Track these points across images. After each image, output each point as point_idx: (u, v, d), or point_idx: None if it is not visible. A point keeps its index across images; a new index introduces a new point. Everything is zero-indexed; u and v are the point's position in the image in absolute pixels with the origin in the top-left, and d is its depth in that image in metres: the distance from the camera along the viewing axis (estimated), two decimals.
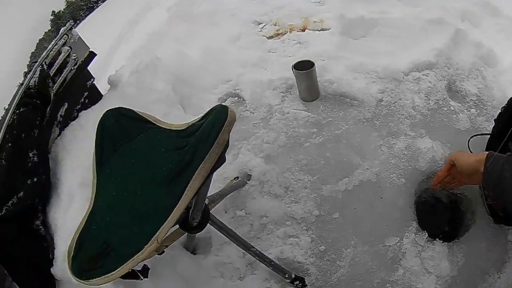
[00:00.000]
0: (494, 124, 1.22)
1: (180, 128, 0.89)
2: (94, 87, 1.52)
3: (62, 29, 1.45)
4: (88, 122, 1.30)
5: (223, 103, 1.55)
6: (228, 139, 0.76)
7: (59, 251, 1.08)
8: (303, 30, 1.98)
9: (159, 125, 0.94)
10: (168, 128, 0.92)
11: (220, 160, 0.77)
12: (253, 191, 1.30)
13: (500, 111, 1.18)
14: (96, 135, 0.92)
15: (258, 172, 1.33)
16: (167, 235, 0.76)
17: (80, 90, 1.45)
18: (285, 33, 1.98)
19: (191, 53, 1.82)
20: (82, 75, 1.47)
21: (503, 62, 1.78)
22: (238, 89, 1.65)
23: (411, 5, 2.05)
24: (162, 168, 0.80)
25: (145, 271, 0.83)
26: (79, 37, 1.49)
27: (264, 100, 1.55)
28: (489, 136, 1.24)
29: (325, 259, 1.19)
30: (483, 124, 1.45)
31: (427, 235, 1.22)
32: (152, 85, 1.43)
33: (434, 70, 1.61)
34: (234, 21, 2.20)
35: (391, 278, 1.17)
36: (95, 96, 1.50)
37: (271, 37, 1.99)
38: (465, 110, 1.51)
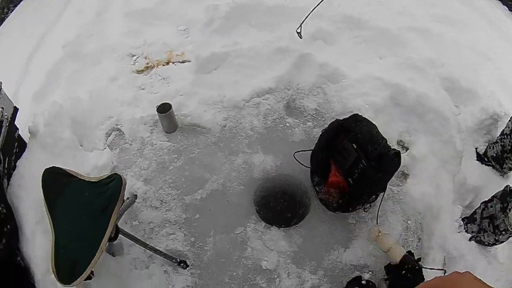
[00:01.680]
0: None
1: (95, 180, 1.41)
2: (20, 137, 1.78)
3: None
4: (25, 170, 1.66)
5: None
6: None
7: (37, 273, 1.50)
8: (167, 63, 2.40)
9: (80, 178, 1.42)
10: (87, 180, 1.42)
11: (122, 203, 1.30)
12: (140, 206, 1.79)
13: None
14: (42, 188, 1.38)
15: (141, 192, 1.82)
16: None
17: (13, 142, 1.72)
18: (153, 67, 2.38)
19: (81, 94, 2.14)
20: (12, 129, 1.74)
21: (350, 77, 2.20)
22: (119, 124, 2.07)
23: (266, 30, 2.46)
24: (92, 207, 1.31)
25: (92, 274, 1.29)
26: (5, 94, 1.73)
27: (138, 134, 2.01)
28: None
29: (196, 246, 1.71)
30: (318, 134, 1.85)
31: (264, 224, 1.77)
32: (61, 134, 1.81)
33: (274, 94, 2.14)
34: (113, 56, 2.50)
35: (244, 255, 1.70)
36: (22, 144, 1.78)
37: (141, 71, 2.38)
38: (301, 124, 2.05)
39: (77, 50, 2.56)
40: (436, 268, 1.54)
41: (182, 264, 1.65)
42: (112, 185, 1.32)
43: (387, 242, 1.56)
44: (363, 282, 1.60)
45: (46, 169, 1.43)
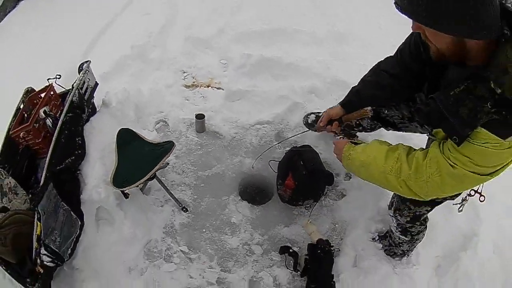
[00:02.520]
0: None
1: (153, 142, 2.46)
2: (93, 104, 2.81)
3: (85, 65, 2.60)
4: (96, 125, 2.67)
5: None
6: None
7: (88, 183, 2.38)
8: (208, 86, 3.47)
9: (143, 139, 2.48)
10: (148, 141, 2.48)
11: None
12: (169, 171, 2.82)
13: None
14: (116, 136, 2.41)
15: (172, 162, 2.85)
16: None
17: (89, 105, 2.68)
18: (197, 86, 3.46)
19: (143, 89, 3.21)
20: (91, 96, 2.73)
21: None
22: (166, 118, 3.14)
23: (279, 80, 3.46)
24: (147, 156, 2.35)
25: (128, 194, 2.36)
26: (91, 70, 2.68)
27: (178, 128, 3.09)
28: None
29: (196, 201, 2.71)
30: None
31: (240, 198, 2.78)
32: (128, 112, 2.90)
33: (270, 125, 3.17)
34: (171, 68, 3.54)
35: (222, 212, 2.68)
36: (94, 109, 2.84)
37: (188, 87, 3.44)
38: (282, 147, 3.01)
39: (144, 53, 3.61)
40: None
41: (184, 209, 2.66)
42: (166, 146, 2.36)
43: (311, 228, 2.54)
44: (290, 250, 2.46)
45: (122, 128, 2.49)
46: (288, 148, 2.90)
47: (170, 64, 3.62)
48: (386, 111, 2.30)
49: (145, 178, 2.27)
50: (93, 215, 2.37)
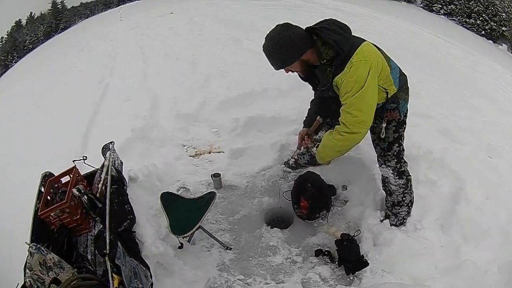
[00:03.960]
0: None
1: (194, 197, 3.14)
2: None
3: (110, 145, 2.93)
4: (132, 194, 2.94)
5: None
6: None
7: (146, 241, 2.80)
8: (210, 152, 4.17)
9: (184, 197, 3.16)
10: (188, 198, 3.15)
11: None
12: (205, 222, 3.47)
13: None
14: (160, 199, 2.96)
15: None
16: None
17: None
18: (201, 154, 4.15)
19: (157, 164, 3.71)
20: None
21: None
22: (185, 184, 3.75)
23: (266, 133, 4.22)
24: (193, 208, 2.94)
25: (182, 245, 2.93)
26: (115, 150, 3.02)
27: (199, 189, 3.73)
28: None
29: (235, 240, 3.28)
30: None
31: (270, 227, 3.41)
32: (154, 182, 3.49)
33: (272, 168, 3.86)
34: (172, 143, 4.16)
35: (260, 241, 3.27)
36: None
37: (193, 156, 4.13)
38: (287, 182, 3.83)
39: (144, 135, 4.23)
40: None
41: (228, 248, 3.20)
42: (209, 196, 2.98)
43: (332, 229, 3.21)
44: (323, 250, 3.08)
45: (163, 192, 3.03)
46: (292, 181, 3.59)
47: (170, 140, 4.27)
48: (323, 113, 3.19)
49: (199, 224, 2.85)
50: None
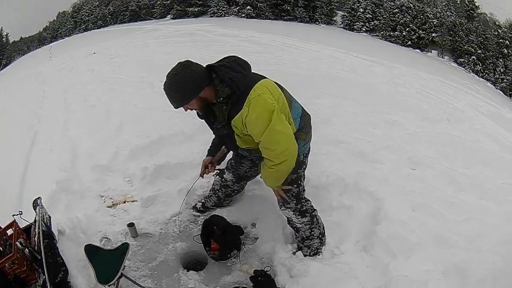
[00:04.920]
0: None
1: (112, 249, 3.38)
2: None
3: (38, 201, 3.18)
4: (62, 247, 3.19)
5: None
6: None
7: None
8: (125, 202, 4.40)
9: (103, 248, 3.39)
10: (107, 249, 3.39)
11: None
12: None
13: None
14: (84, 251, 3.11)
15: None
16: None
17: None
18: (117, 204, 4.37)
19: (80, 216, 3.80)
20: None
21: None
22: (106, 234, 3.92)
23: (174, 179, 4.61)
24: (113, 259, 3.13)
25: None
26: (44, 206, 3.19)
27: (119, 238, 3.93)
28: None
29: (163, 286, 3.70)
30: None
31: (187, 271, 3.84)
32: (79, 235, 3.61)
33: (182, 212, 4.35)
34: (91, 195, 4.27)
35: (182, 285, 3.74)
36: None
37: (110, 207, 4.33)
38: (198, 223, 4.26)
39: (67, 187, 4.27)
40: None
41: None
42: (123, 248, 3.24)
43: (245, 267, 3.45)
44: (241, 287, 3.20)
45: (86, 244, 3.13)
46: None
47: (89, 192, 4.42)
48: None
49: (119, 273, 3.05)
50: None
